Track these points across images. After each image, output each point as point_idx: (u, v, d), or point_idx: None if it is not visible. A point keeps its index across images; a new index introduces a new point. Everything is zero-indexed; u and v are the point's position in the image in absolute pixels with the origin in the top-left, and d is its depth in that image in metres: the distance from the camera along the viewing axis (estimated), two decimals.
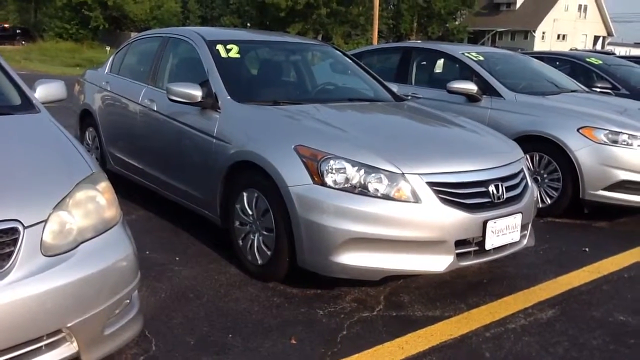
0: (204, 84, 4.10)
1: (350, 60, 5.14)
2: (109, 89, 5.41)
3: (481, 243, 3.28)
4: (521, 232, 3.54)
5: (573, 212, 5.20)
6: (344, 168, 3.18)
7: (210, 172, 3.88)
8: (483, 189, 3.32)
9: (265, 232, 3.50)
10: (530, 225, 3.70)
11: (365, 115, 4.16)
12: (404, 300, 3.42)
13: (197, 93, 3.94)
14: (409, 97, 6.07)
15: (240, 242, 3.71)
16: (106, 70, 5.74)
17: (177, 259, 3.91)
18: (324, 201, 3.14)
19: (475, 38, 53.23)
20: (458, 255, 3.24)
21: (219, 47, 4.37)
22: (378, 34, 37.18)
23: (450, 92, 5.70)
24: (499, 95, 5.65)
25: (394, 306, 3.34)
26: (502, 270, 3.94)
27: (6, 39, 41.92)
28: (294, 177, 3.26)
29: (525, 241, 3.63)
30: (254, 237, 3.59)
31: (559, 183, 5.14)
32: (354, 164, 3.19)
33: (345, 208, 3.11)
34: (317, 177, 3.19)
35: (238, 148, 3.65)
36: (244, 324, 3.07)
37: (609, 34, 60.48)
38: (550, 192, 5.21)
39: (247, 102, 3.93)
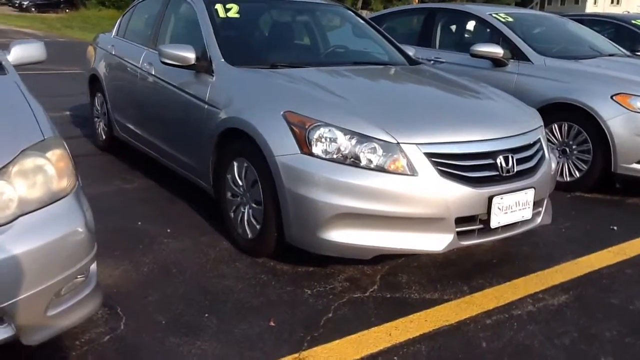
0: (201, 45, 3.86)
1: (363, 22, 4.79)
2: (113, 53, 5.23)
3: (486, 221, 2.97)
4: (535, 208, 3.21)
5: (604, 186, 4.80)
6: (335, 137, 2.90)
7: (202, 140, 3.65)
8: (490, 161, 2.99)
9: (254, 205, 3.27)
10: (545, 201, 3.36)
11: (370, 80, 3.84)
12: (402, 281, 3.15)
13: (190, 55, 3.70)
14: (432, 62, 5.72)
15: (232, 215, 3.50)
16: (113, 34, 5.56)
17: (169, 230, 3.73)
18: (312, 172, 2.88)
19: (523, 2, 51.14)
20: (459, 233, 2.94)
21: (218, 6, 4.10)
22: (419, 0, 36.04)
23: (474, 55, 5.30)
24: (527, 59, 5.22)
25: (390, 287, 3.08)
26: (516, 250, 3.62)
27: (50, 7, 42.55)
28: (281, 146, 3.00)
29: (539, 219, 3.30)
30: (244, 209, 3.37)
31: (589, 155, 4.72)
32: (345, 132, 2.90)
33: (334, 180, 2.84)
34: (306, 147, 2.93)
35: (227, 114, 3.41)
36: (224, 303, 2.87)
37: None
38: (579, 164, 4.80)
39: (242, 65, 3.66)
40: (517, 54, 5.29)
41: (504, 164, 2.99)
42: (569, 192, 4.81)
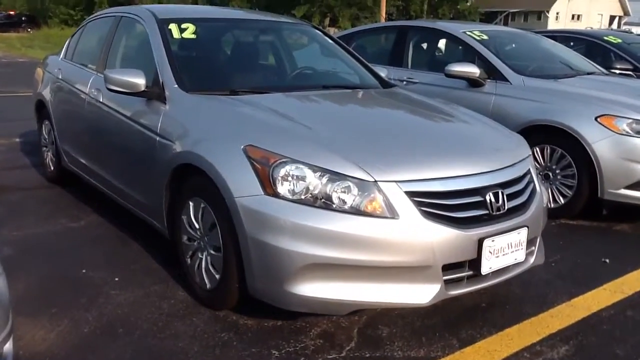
0: (153, 70, 3.47)
1: (331, 42, 4.46)
2: (60, 77, 4.79)
3: (476, 266, 2.62)
4: (527, 248, 2.88)
5: (590, 213, 4.53)
6: (303, 175, 2.53)
7: (154, 176, 3.25)
8: (478, 199, 2.65)
9: (212, 252, 2.87)
10: (539, 240, 3.03)
11: (341, 107, 3.49)
12: (382, 335, 2.78)
13: (140, 81, 3.30)
14: (404, 83, 5.42)
15: (189, 261, 3.09)
16: (61, 56, 5.12)
17: (117, 279, 3.29)
18: (277, 217, 2.50)
19: (487, 19, 51.88)
20: (447, 282, 2.58)
21: (172, 26, 3.72)
22: (387, 17, 36.06)
23: (449, 76, 5.01)
24: (504, 79, 4.95)
25: (369, 343, 2.70)
26: (504, 291, 3.28)
27: (11, 27, 41.55)
28: (242, 186, 2.61)
29: (532, 259, 2.97)
30: (202, 255, 2.96)
31: (573, 180, 4.45)
32: (314, 169, 2.53)
33: (302, 226, 2.46)
34: (269, 186, 2.54)
35: (181, 148, 3.02)
36: None
37: (625, 13, 58.81)
38: (563, 190, 4.53)
39: (197, 91, 3.28)
40: (493, 74, 5.02)
41: (493, 201, 2.66)
42: (554, 219, 4.52)
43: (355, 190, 2.51)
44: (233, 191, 2.62)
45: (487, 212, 2.64)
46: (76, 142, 4.47)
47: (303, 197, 2.51)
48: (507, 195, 2.74)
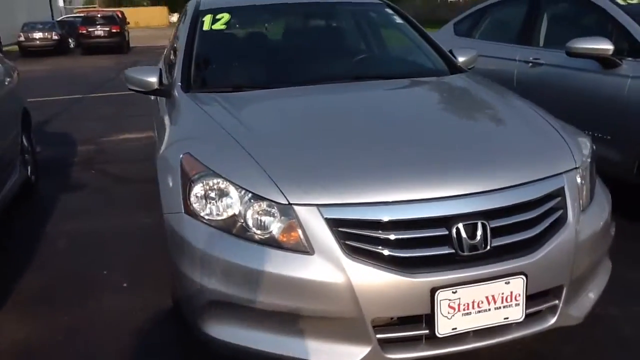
0: None
1: (402, 21, 3.77)
2: None
3: (431, 325, 1.93)
4: (545, 302, 2.06)
5: None
6: (222, 192, 2.11)
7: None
8: (443, 232, 1.93)
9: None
10: (566, 289, 2.12)
11: (339, 103, 2.83)
12: None
13: (152, 80, 3.14)
14: (529, 65, 4.50)
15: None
16: None
17: (125, 285, 3.23)
18: (188, 240, 2.12)
19: None
20: (386, 342, 1.94)
21: (207, 17, 3.49)
22: None
23: (571, 54, 3.97)
24: None
25: None
26: (546, 346, 2.42)
27: None
28: (171, 201, 2.29)
29: (553, 318, 2.10)
30: None
31: None
32: (235, 186, 2.09)
33: (208, 255, 2.05)
34: (187, 204, 2.18)
35: (158, 153, 2.78)
36: None
37: None
38: None
39: (195, 90, 3.01)
40: (633, 50, 3.82)
41: (464, 237, 1.91)
42: None
43: (277, 215, 2.01)
44: (164, 206, 2.32)
45: (452, 251, 1.91)
46: None
47: (221, 218, 2.09)
48: (500, 228, 1.96)
